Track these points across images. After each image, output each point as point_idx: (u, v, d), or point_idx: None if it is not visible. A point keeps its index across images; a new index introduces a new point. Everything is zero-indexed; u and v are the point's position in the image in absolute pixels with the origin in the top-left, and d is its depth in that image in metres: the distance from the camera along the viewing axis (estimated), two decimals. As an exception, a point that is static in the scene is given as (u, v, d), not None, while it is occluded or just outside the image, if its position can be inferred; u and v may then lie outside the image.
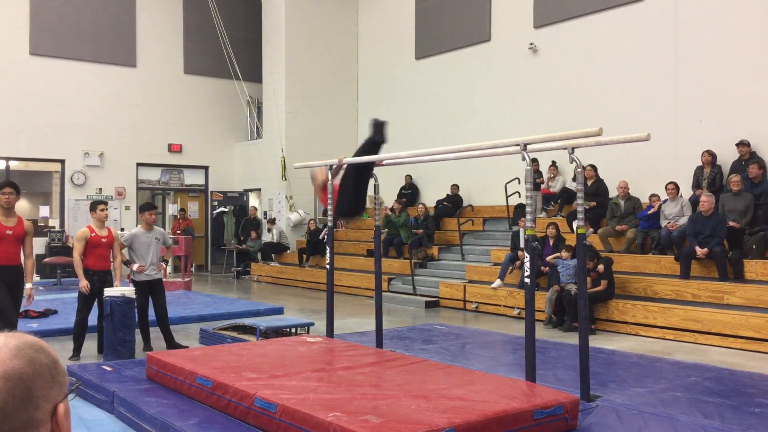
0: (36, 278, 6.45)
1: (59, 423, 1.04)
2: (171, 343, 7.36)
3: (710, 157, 10.02)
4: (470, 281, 11.38)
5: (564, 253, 9.22)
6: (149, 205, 7.84)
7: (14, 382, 0.99)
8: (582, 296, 5.11)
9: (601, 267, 8.77)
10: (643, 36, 11.34)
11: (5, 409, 0.98)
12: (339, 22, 17.26)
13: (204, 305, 10.42)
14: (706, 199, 8.80)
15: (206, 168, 18.00)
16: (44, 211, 16.09)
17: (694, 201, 9.52)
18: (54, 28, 15.70)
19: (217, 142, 17.95)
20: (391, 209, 13.54)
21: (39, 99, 15.42)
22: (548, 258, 9.62)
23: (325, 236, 6.68)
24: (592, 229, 10.47)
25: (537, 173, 12.36)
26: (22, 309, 6.42)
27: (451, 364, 5.68)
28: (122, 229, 14.62)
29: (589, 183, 10.83)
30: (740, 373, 6.09)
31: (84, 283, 6.84)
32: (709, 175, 9.99)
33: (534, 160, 12.33)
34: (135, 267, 7.27)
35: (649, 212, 9.96)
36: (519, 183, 12.18)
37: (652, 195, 10.16)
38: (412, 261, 12.36)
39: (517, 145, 4.85)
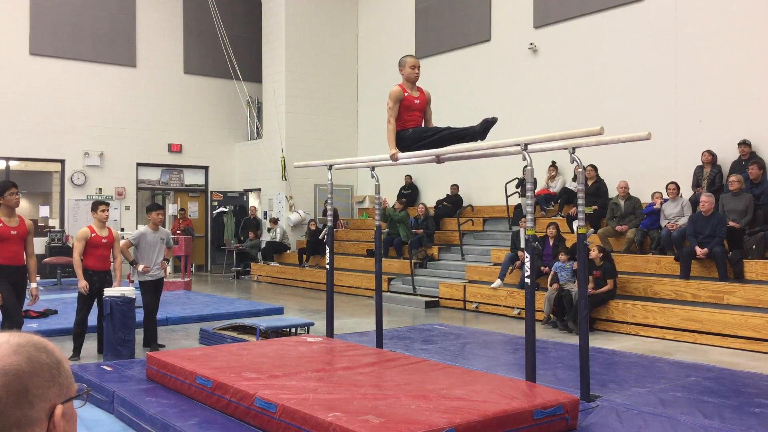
0: (36, 278, 6.48)
1: (56, 424, 1.03)
2: (152, 341, 7.36)
3: (710, 156, 10.02)
4: (470, 281, 11.38)
5: (562, 256, 9.22)
6: (156, 205, 7.88)
7: (10, 378, 0.99)
8: (582, 296, 5.11)
9: (597, 254, 8.77)
10: (643, 36, 11.34)
11: None
12: (339, 22, 17.26)
13: (204, 305, 10.42)
14: (706, 199, 8.79)
15: (206, 168, 18.00)
16: (44, 211, 16.08)
17: (694, 201, 9.52)
18: (54, 28, 15.70)
19: (217, 142, 17.95)
20: (392, 207, 13.54)
21: (39, 99, 15.42)
22: (549, 277, 9.62)
23: (325, 236, 6.67)
24: (592, 229, 10.47)
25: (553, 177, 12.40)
26: (23, 309, 6.45)
27: (451, 364, 5.68)
28: (122, 229, 14.63)
29: (589, 183, 10.83)
30: (740, 373, 6.09)
31: (83, 284, 6.84)
32: (709, 175, 9.99)
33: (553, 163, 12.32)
34: (140, 268, 7.28)
35: (654, 207, 9.95)
36: (517, 187, 12.17)
37: (655, 192, 10.15)
38: (412, 261, 12.36)
39: (518, 145, 4.85)
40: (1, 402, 0.98)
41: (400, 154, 5.56)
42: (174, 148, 17.32)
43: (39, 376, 1.02)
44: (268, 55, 17.06)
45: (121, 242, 7.42)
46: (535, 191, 12.03)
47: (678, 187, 9.74)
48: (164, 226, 8.59)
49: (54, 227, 15.78)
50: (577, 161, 4.94)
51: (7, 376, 0.99)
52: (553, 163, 12.31)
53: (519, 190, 11.97)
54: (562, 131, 5.03)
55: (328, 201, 6.80)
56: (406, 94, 5.43)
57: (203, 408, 4.69)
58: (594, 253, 8.72)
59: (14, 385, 0.99)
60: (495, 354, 7.18)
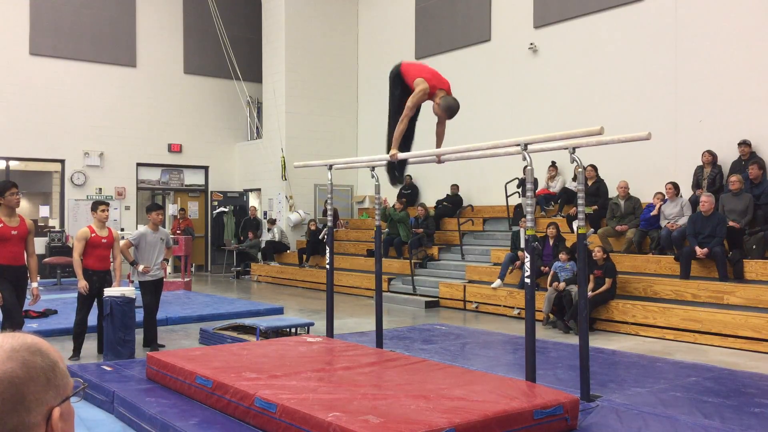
0: (37, 278, 6.48)
1: (54, 427, 1.02)
2: (153, 341, 7.35)
3: (710, 157, 10.02)
4: (470, 281, 11.38)
5: (562, 256, 9.22)
6: (156, 205, 7.88)
7: (5, 386, 0.98)
8: (582, 296, 5.11)
9: (599, 254, 8.77)
10: (643, 36, 11.34)
11: None
12: (339, 22, 17.26)
13: (204, 305, 10.41)
14: (706, 200, 8.79)
15: (206, 168, 18.00)
16: (44, 211, 16.08)
17: (694, 201, 9.52)
18: (54, 28, 15.70)
19: (217, 142, 17.95)
20: (392, 207, 13.54)
21: (39, 99, 15.42)
22: (549, 276, 9.60)
23: (325, 236, 6.67)
24: (592, 230, 10.47)
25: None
26: (24, 309, 6.45)
27: (451, 364, 5.68)
28: (122, 229, 14.63)
29: (589, 183, 10.83)
30: (740, 373, 6.09)
31: (83, 284, 6.84)
32: (709, 175, 9.99)
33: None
34: (140, 268, 7.28)
35: (651, 213, 9.94)
36: (518, 186, 12.17)
37: (657, 193, 10.13)
38: (412, 261, 12.36)
39: (518, 145, 4.85)
40: None
41: (400, 154, 5.57)
42: (174, 148, 17.32)
43: (35, 381, 1.01)
44: (268, 55, 17.06)
45: (121, 242, 7.42)
46: (536, 191, 12.05)
47: (676, 188, 9.73)
48: (164, 226, 8.60)
49: (54, 227, 15.78)
50: (577, 161, 4.94)
51: (1, 384, 0.98)
52: (553, 163, 12.30)
53: (520, 190, 11.97)
54: (562, 131, 5.03)
55: (328, 201, 6.80)
56: (432, 101, 5.46)
57: (203, 408, 4.69)
58: (599, 254, 8.72)
59: (10, 393, 0.98)
60: (495, 354, 7.18)
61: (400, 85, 5.59)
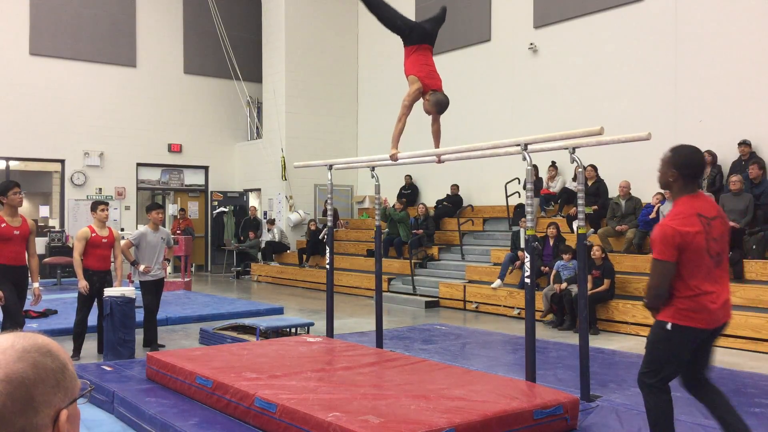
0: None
1: (60, 429, 1.02)
2: (153, 341, 7.36)
3: (710, 157, 10.01)
4: (470, 281, 11.38)
5: (565, 256, 9.22)
6: (156, 204, 7.89)
7: (14, 386, 0.97)
8: (582, 296, 5.11)
9: (597, 254, 8.78)
10: (643, 36, 11.34)
11: (3, 412, 0.96)
12: (339, 22, 17.26)
13: (204, 305, 10.41)
14: (706, 200, 8.78)
15: (206, 168, 18.00)
16: (44, 211, 16.09)
17: (694, 201, 9.49)
18: (54, 28, 15.70)
19: (217, 142, 17.95)
20: (392, 207, 13.54)
21: (39, 99, 15.41)
22: (552, 276, 9.61)
23: (325, 236, 6.68)
24: (592, 230, 10.47)
25: (537, 180, 12.36)
26: (24, 309, 6.45)
27: (451, 364, 5.68)
28: (122, 229, 14.62)
29: (589, 183, 10.83)
30: (740, 373, 6.09)
31: (83, 284, 6.84)
32: (709, 175, 9.99)
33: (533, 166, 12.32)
34: (141, 268, 7.28)
35: (650, 216, 9.92)
36: (519, 183, 12.17)
37: (656, 194, 10.11)
38: (412, 261, 12.36)
39: (518, 145, 4.85)
40: (5, 410, 0.96)
41: (400, 154, 5.58)
42: (174, 148, 17.32)
43: (44, 383, 1.01)
44: (268, 55, 17.06)
45: (122, 242, 7.42)
46: (540, 190, 12.04)
47: (675, 188, 9.70)
48: (164, 226, 8.60)
49: (54, 227, 15.78)
50: (577, 161, 4.94)
51: (11, 384, 0.97)
52: (553, 163, 12.30)
53: (523, 189, 11.96)
54: (562, 131, 5.03)
55: (328, 201, 6.80)
56: (423, 98, 5.49)
57: (203, 408, 4.69)
58: (598, 254, 8.72)
59: (19, 393, 0.98)
60: (495, 354, 7.18)
61: (398, 33, 5.69)
